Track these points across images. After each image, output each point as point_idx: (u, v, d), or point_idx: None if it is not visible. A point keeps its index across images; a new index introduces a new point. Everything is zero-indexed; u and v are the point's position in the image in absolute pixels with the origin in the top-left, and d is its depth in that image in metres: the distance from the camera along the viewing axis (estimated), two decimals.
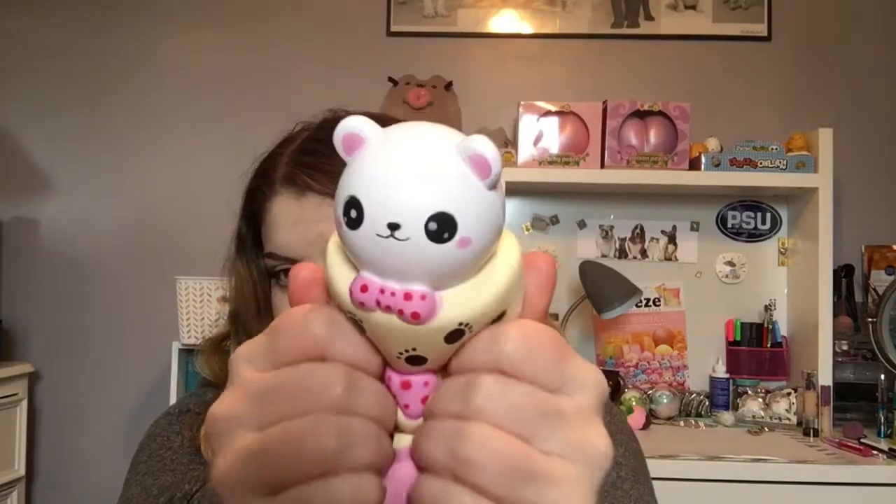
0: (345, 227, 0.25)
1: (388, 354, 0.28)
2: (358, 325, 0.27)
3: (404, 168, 0.24)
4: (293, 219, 0.61)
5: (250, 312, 0.66)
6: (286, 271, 0.61)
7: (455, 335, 0.26)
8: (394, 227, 0.24)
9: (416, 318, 0.25)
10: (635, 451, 0.70)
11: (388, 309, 0.25)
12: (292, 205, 0.61)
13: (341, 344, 0.27)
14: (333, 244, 0.29)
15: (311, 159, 0.62)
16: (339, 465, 0.25)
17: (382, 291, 0.25)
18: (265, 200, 0.64)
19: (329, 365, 0.27)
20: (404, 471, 0.28)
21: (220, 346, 0.70)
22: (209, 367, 0.70)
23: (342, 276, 0.27)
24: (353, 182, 0.25)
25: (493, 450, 0.25)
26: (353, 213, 0.24)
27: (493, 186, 0.25)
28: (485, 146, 0.24)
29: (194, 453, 0.65)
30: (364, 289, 0.25)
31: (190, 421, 0.68)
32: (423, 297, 0.25)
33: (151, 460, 0.65)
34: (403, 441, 0.29)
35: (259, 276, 0.66)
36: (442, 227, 0.24)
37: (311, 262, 0.61)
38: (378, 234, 0.24)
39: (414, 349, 0.27)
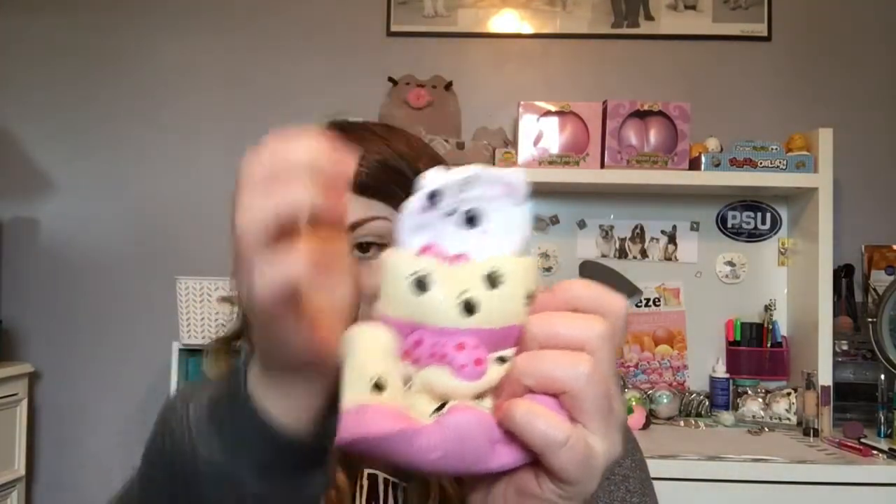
0: None
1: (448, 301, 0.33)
2: None
3: None
4: None
5: None
6: None
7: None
8: None
9: None
10: (640, 461, 0.70)
11: None
12: None
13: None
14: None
15: None
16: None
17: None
18: None
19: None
20: (467, 412, 0.31)
21: (230, 346, 0.70)
22: (217, 368, 0.70)
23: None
24: None
25: (598, 379, 0.31)
26: None
27: None
28: None
29: None
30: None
31: None
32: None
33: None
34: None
35: None
36: None
37: None
38: None
39: (466, 290, 0.33)
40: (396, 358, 0.33)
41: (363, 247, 0.60)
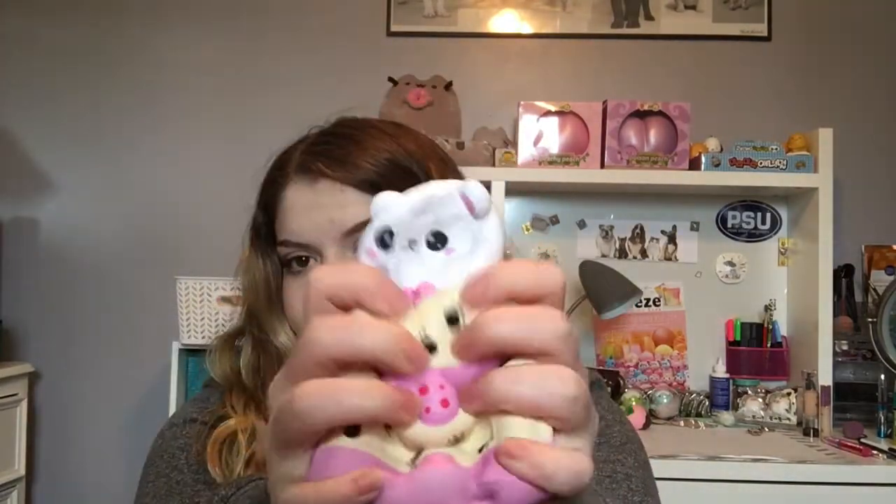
0: None
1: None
2: None
3: None
4: (306, 204, 0.62)
5: (262, 304, 0.67)
6: (298, 259, 0.63)
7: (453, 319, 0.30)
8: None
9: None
10: (644, 462, 0.69)
11: None
12: (305, 191, 0.62)
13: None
14: None
15: (324, 148, 0.63)
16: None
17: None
18: (279, 190, 0.64)
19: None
20: (440, 466, 0.28)
21: (232, 344, 0.70)
22: (219, 366, 0.69)
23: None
24: None
25: (571, 388, 0.27)
26: None
27: None
28: None
29: (199, 470, 0.64)
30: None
31: (197, 432, 0.66)
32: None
33: (158, 481, 0.64)
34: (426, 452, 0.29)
35: (272, 269, 0.67)
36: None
37: (322, 250, 0.60)
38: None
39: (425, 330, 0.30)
40: None
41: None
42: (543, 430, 0.28)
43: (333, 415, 0.27)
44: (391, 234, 0.33)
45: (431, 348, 0.30)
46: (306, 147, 0.65)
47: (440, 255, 0.32)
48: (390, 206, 0.34)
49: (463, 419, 0.29)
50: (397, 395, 0.27)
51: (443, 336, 0.30)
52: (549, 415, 0.27)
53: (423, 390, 0.29)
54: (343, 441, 0.28)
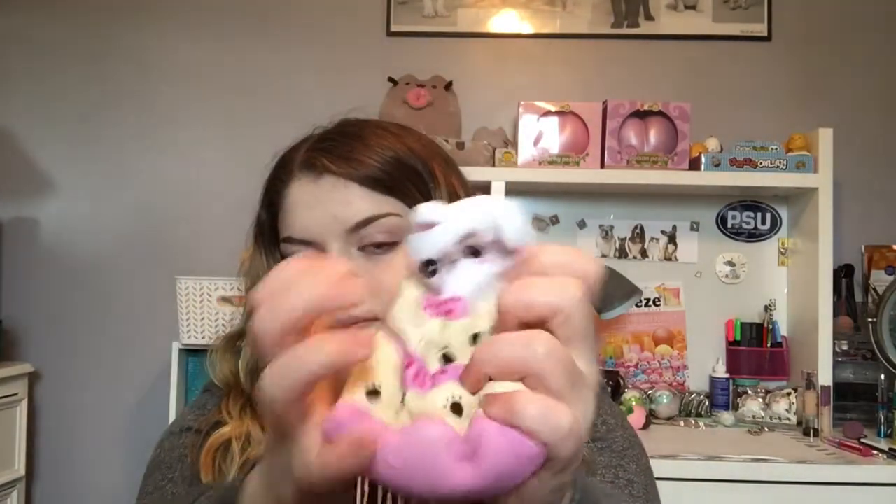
0: None
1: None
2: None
3: None
4: (310, 200, 0.61)
5: None
6: None
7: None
8: None
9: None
10: (646, 467, 0.69)
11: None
12: (309, 187, 0.62)
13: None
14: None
15: (329, 145, 0.63)
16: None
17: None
18: (283, 187, 0.64)
19: None
20: (432, 424, 0.30)
21: (234, 345, 0.69)
22: (219, 368, 0.69)
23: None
24: None
25: (559, 356, 0.30)
26: None
27: None
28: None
29: (194, 481, 0.64)
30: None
31: (192, 441, 0.66)
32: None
33: (156, 493, 0.65)
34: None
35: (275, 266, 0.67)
36: None
37: (325, 246, 0.60)
38: None
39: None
40: (398, 379, 0.33)
41: (376, 244, 0.60)
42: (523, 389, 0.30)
43: (294, 385, 0.29)
44: (434, 265, 0.35)
45: (449, 360, 0.33)
46: (311, 145, 0.65)
47: (475, 266, 0.35)
48: (436, 242, 0.35)
49: (455, 386, 0.32)
50: (340, 338, 0.30)
51: (461, 353, 0.33)
52: (527, 371, 0.29)
53: (409, 363, 0.33)
54: (361, 400, 0.31)
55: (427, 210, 0.35)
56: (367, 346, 0.31)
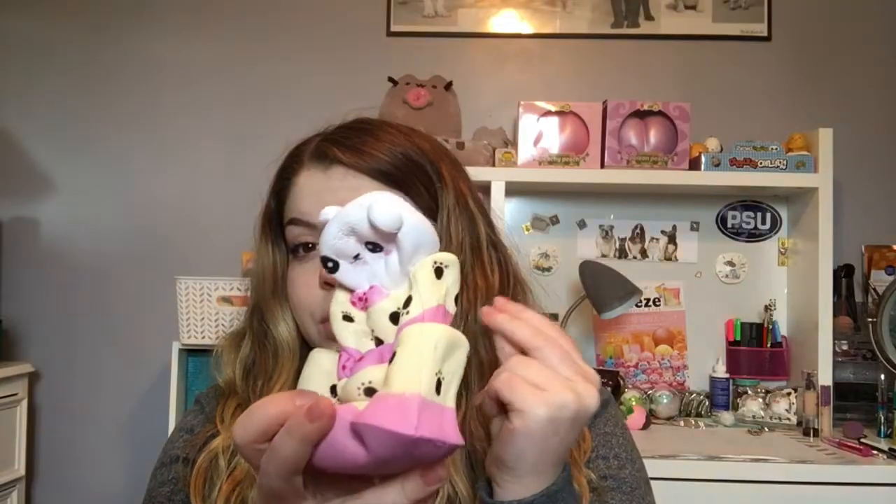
0: None
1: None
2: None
3: None
4: (318, 187, 0.62)
5: (267, 290, 0.67)
6: (305, 245, 0.63)
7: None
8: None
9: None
10: (644, 478, 0.69)
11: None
12: (318, 176, 0.63)
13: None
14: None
15: (341, 137, 0.64)
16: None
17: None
18: (293, 175, 0.65)
19: None
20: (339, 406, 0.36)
21: (238, 343, 0.70)
22: (224, 366, 0.69)
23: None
24: None
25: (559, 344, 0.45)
26: None
27: None
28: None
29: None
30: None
31: (182, 474, 0.67)
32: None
33: None
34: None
35: (279, 256, 0.67)
36: None
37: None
38: None
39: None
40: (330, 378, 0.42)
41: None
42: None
43: (254, 434, 0.36)
44: (333, 259, 0.42)
45: (379, 342, 0.41)
46: (323, 137, 0.66)
47: (381, 258, 0.41)
48: (325, 240, 0.42)
49: (371, 370, 0.38)
50: (286, 399, 0.36)
51: (388, 332, 0.40)
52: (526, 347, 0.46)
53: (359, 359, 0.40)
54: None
55: (324, 212, 0.41)
56: (306, 397, 0.36)
